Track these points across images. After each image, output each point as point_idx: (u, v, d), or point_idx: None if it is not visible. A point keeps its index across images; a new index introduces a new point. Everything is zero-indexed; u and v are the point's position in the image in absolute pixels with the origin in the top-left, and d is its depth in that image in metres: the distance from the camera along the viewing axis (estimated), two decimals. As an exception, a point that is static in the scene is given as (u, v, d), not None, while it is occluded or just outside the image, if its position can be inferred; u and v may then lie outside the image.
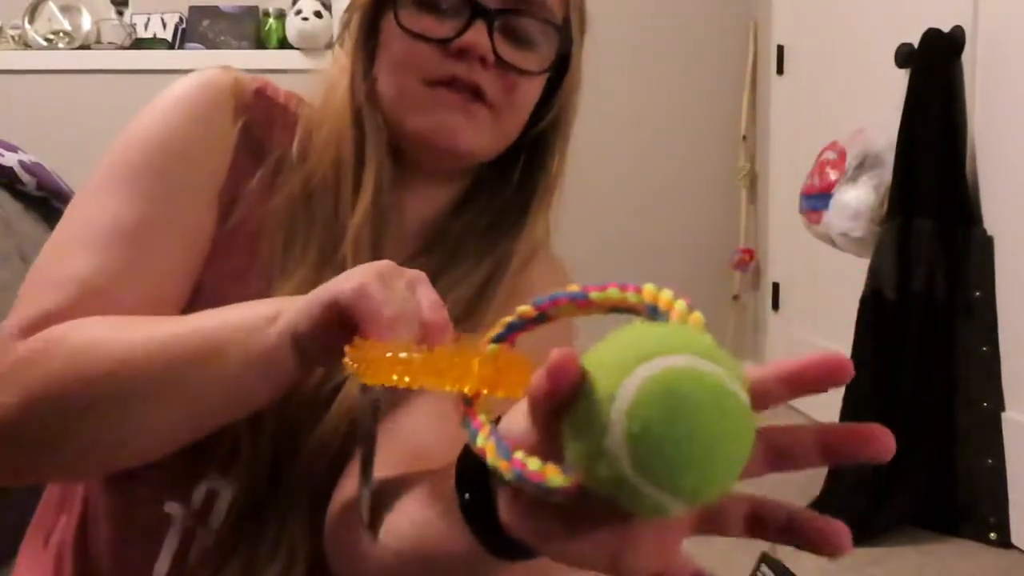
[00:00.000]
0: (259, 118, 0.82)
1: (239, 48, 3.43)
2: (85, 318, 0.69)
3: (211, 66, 0.83)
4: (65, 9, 3.40)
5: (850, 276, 2.39)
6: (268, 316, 0.62)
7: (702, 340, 0.37)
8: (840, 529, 0.41)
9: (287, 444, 0.76)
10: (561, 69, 0.85)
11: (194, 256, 0.78)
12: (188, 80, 0.82)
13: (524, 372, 0.46)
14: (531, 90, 0.82)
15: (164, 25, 3.45)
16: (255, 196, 0.80)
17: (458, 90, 0.78)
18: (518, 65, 0.80)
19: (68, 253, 0.74)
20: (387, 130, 0.81)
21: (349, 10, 0.84)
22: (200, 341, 0.64)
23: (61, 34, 3.40)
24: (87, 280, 0.71)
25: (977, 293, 2.07)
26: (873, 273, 2.20)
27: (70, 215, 0.77)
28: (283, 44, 3.41)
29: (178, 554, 0.77)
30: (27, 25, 3.39)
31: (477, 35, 0.77)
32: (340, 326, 0.57)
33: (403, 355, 0.50)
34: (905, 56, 2.27)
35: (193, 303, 0.76)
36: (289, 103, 0.85)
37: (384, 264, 0.59)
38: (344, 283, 0.57)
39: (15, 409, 0.65)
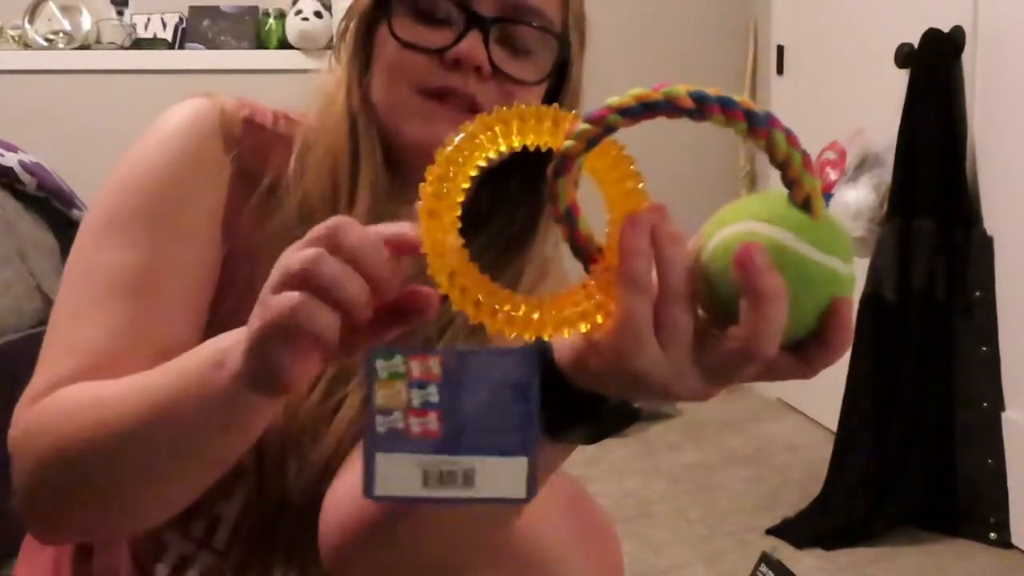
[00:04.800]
0: (251, 148, 0.80)
1: (239, 48, 3.42)
2: (78, 383, 0.68)
3: (194, 95, 0.81)
4: (65, 9, 3.40)
5: (850, 276, 2.39)
6: (215, 362, 0.58)
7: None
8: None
9: (292, 458, 0.76)
10: (560, 80, 0.83)
11: (201, 296, 0.76)
12: (174, 115, 0.79)
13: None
14: (529, 101, 0.79)
15: (164, 25, 3.45)
16: (250, 224, 0.78)
17: (452, 105, 0.76)
18: (515, 75, 0.78)
19: (73, 315, 0.73)
20: (382, 141, 0.79)
21: (346, 18, 0.82)
22: (148, 405, 0.62)
23: (61, 34, 3.40)
24: (92, 344, 0.70)
25: (977, 293, 2.07)
26: (873, 273, 2.20)
27: (73, 269, 0.76)
28: (283, 44, 3.41)
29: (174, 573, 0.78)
30: (27, 25, 3.39)
31: (472, 45, 0.76)
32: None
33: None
34: (905, 56, 2.27)
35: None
36: (279, 126, 0.83)
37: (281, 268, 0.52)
38: (266, 311, 0.51)
39: (28, 476, 0.66)
